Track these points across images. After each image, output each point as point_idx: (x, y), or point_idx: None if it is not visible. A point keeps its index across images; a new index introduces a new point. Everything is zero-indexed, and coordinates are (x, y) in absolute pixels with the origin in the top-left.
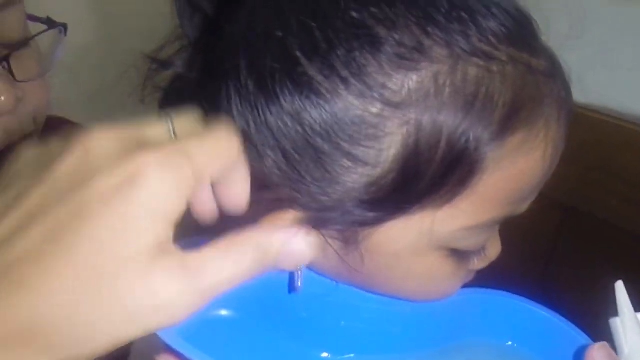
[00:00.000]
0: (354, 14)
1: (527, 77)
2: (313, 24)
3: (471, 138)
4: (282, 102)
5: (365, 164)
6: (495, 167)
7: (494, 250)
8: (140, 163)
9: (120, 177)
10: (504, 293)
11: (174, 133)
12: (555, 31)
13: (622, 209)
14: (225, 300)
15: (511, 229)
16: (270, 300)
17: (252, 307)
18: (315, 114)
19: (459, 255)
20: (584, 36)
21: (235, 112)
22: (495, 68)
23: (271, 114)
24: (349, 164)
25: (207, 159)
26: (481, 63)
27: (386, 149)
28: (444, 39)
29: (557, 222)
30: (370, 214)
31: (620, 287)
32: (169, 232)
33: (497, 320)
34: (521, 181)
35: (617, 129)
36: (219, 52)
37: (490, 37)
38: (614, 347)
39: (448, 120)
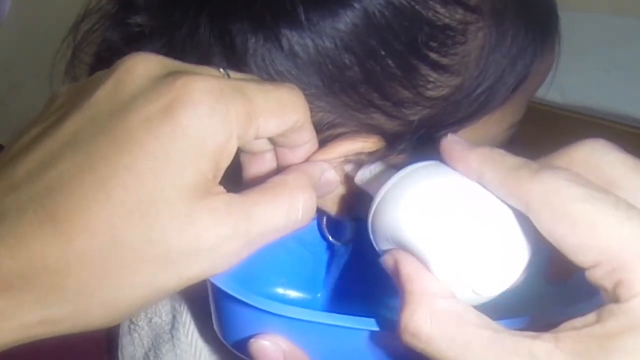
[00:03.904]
0: None
1: None
2: None
3: (532, 43)
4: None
5: (451, 73)
6: (537, 68)
7: None
8: (189, 86)
9: (166, 99)
10: None
11: (228, 76)
12: None
13: None
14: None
15: None
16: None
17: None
18: (396, 21)
19: None
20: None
21: (265, 56)
22: None
23: (328, 37)
24: (435, 75)
25: (266, 106)
26: None
27: (467, 54)
28: None
29: None
30: (445, 128)
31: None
32: (216, 172)
33: None
34: (540, 81)
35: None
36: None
37: None
38: None
39: (514, 27)
